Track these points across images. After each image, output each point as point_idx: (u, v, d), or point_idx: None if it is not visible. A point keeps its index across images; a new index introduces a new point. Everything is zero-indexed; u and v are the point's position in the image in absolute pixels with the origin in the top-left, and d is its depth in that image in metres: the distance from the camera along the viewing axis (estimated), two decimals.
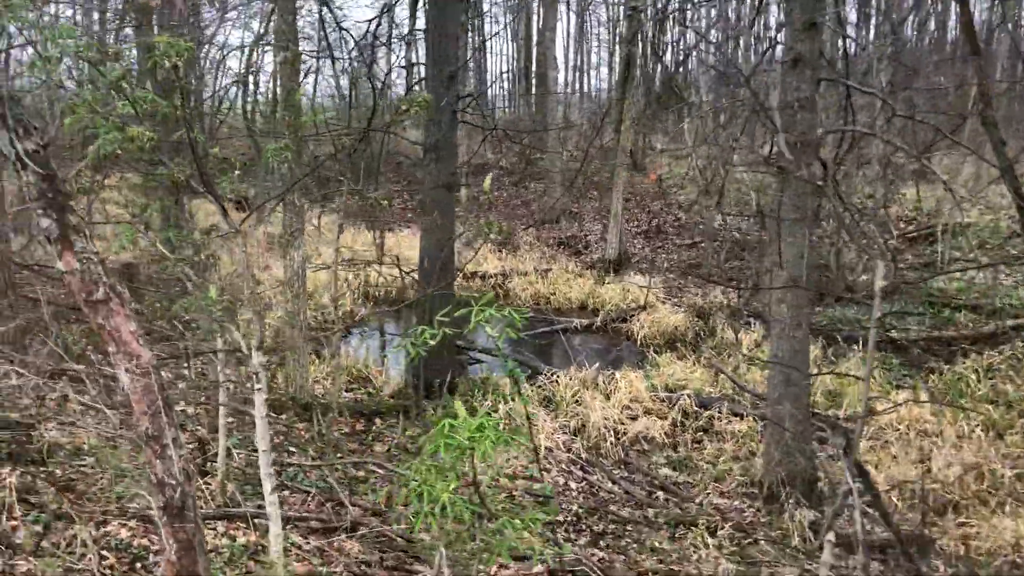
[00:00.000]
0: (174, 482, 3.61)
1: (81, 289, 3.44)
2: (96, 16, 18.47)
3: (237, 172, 4.24)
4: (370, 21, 12.18)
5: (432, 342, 3.47)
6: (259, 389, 4.13)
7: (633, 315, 13.95)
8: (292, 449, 7.71)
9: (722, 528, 6.90)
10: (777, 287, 7.21)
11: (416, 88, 12.03)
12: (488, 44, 36.38)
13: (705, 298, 14.97)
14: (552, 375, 10.35)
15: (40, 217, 3.37)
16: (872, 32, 23.39)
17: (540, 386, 10.10)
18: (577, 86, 38.71)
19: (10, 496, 4.64)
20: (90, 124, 4.31)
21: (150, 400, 3.57)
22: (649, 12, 16.67)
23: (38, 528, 4.47)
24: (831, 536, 3.52)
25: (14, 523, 4.46)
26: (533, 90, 27.55)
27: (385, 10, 11.86)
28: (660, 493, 7.93)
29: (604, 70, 45.93)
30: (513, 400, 9.59)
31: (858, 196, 14.96)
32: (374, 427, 8.80)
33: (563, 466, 8.25)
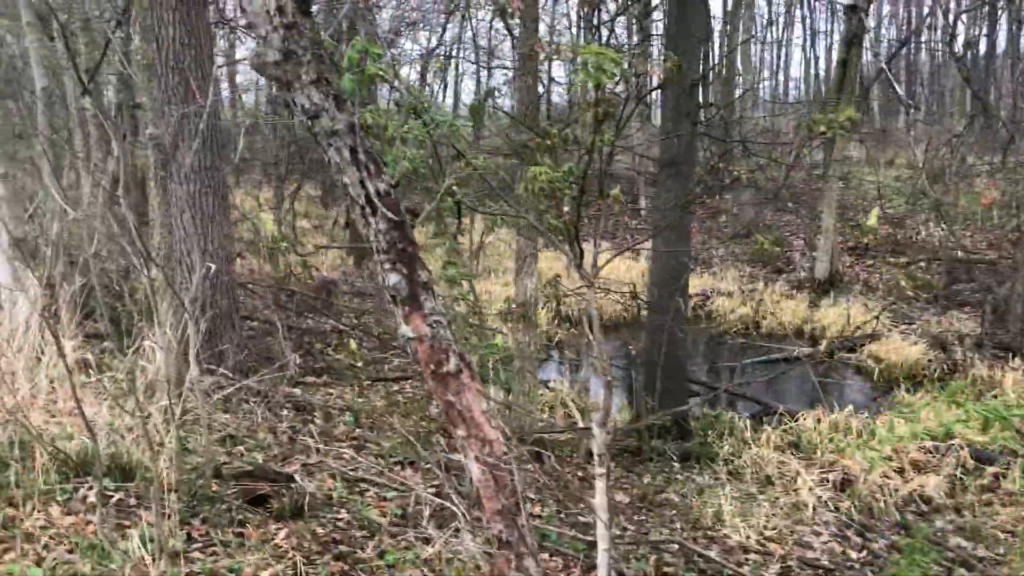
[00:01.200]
0: None
1: (429, 359, 2.79)
2: None
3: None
4: (597, 26, 11.46)
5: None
6: (601, 474, 3.38)
7: (862, 344, 12.53)
8: (531, 496, 7.02)
9: None
10: None
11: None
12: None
13: (940, 325, 13.32)
14: (796, 416, 9.21)
15: (388, 272, 2.75)
16: None
17: (786, 429, 8.99)
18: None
19: (293, 569, 4.13)
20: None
21: (506, 498, 2.89)
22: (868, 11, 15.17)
23: None
24: None
25: None
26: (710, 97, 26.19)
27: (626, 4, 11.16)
28: (962, 571, 6.69)
29: (766, 73, 43.88)
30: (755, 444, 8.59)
31: None
32: None
33: (833, 529, 7.16)
